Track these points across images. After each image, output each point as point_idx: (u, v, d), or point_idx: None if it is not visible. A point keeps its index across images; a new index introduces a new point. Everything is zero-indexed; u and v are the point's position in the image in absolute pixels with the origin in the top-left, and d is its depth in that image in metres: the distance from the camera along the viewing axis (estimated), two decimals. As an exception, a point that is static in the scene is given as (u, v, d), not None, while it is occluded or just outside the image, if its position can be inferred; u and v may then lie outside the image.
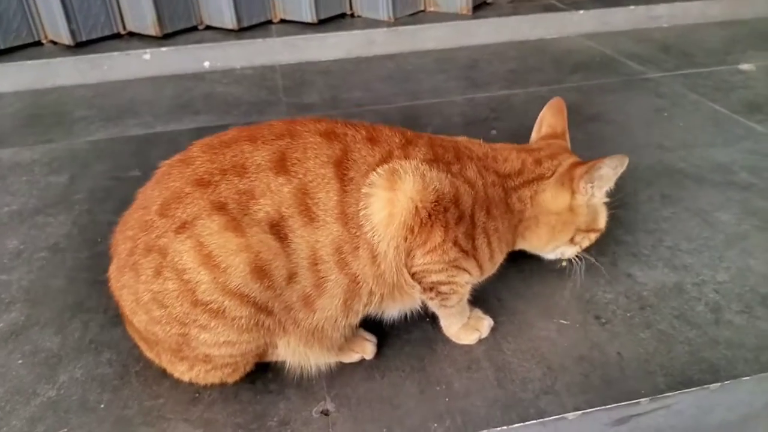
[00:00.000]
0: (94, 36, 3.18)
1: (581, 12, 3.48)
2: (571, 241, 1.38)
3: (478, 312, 1.37)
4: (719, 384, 1.22)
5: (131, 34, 3.28)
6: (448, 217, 1.14)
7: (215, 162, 1.12)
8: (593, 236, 1.40)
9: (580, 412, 1.17)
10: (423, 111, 2.57)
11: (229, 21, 3.26)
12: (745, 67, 2.90)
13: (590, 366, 1.27)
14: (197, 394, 1.22)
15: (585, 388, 1.22)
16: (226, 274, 1.05)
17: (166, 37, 3.21)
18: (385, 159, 1.15)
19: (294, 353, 1.20)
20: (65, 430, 1.16)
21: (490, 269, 1.31)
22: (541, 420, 1.15)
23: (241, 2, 3.26)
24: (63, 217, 1.85)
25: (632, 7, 3.54)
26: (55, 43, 3.18)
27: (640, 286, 1.50)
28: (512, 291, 1.48)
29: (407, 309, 1.30)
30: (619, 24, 3.52)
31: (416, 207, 1.11)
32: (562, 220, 1.33)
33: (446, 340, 1.34)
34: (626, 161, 1.30)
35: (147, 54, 3.08)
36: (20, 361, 1.32)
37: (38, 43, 3.19)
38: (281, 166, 1.11)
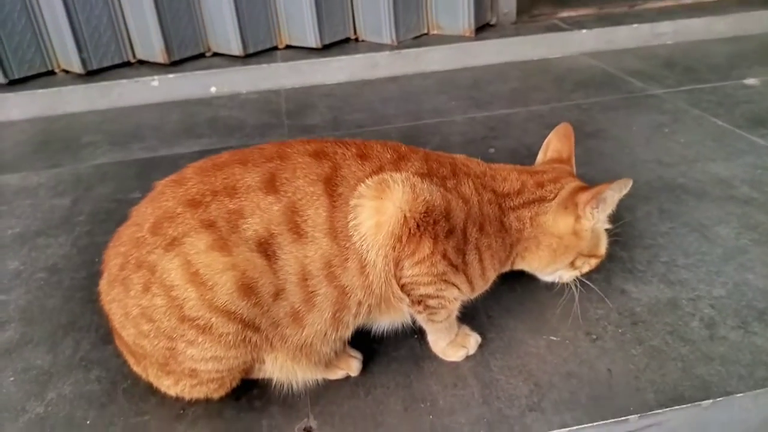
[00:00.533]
0: (104, 64, 3.27)
1: (584, 31, 3.50)
2: (572, 264, 1.36)
3: (466, 329, 1.36)
4: (711, 401, 1.19)
5: (140, 62, 3.36)
6: (438, 229, 1.14)
7: (207, 183, 1.14)
8: (594, 262, 1.39)
9: (566, 429, 1.15)
10: (423, 131, 2.58)
11: (235, 48, 3.33)
12: (750, 81, 2.88)
13: (579, 383, 1.25)
14: (182, 411, 1.22)
15: (572, 405, 1.20)
16: (213, 292, 1.06)
17: (174, 65, 3.29)
18: (376, 173, 1.15)
19: (281, 369, 1.20)
20: (49, 447, 1.17)
21: (482, 286, 1.30)
22: (526, 438, 1.14)
23: (248, 29, 3.33)
24: (63, 239, 1.89)
25: (636, 25, 3.55)
26: (67, 71, 3.28)
27: (633, 302, 1.47)
28: (503, 307, 1.47)
29: (397, 322, 1.29)
30: (622, 42, 3.53)
31: (405, 216, 1.11)
32: (564, 244, 1.31)
33: (433, 357, 1.33)
34: (630, 184, 1.28)
35: (155, 81, 3.16)
36: (12, 378, 1.34)
37: (51, 72, 3.29)
38: (271, 186, 1.13)
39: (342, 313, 1.16)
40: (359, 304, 1.17)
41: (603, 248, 1.39)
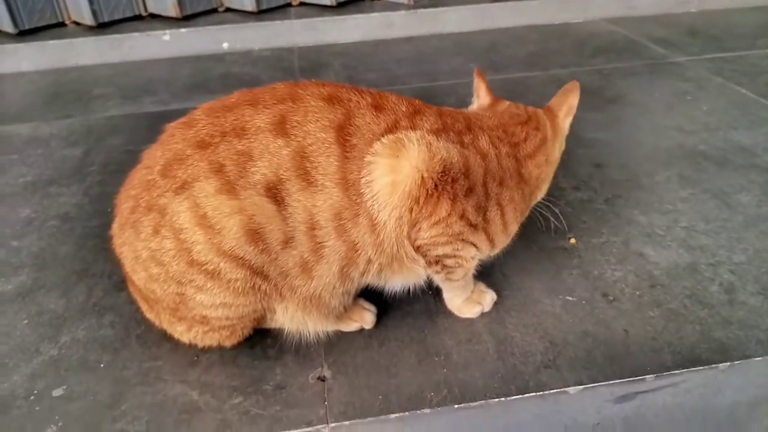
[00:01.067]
0: (115, 17, 3.21)
1: (606, -4, 3.40)
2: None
3: (482, 286, 1.34)
4: (729, 364, 1.18)
5: (152, 16, 3.31)
6: (456, 188, 1.11)
7: (216, 125, 1.11)
8: None
9: (581, 386, 1.14)
10: (439, 92, 2.53)
11: (248, 3, 3.27)
12: (776, 51, 2.81)
13: (594, 342, 1.23)
14: (196, 358, 1.22)
15: (588, 363, 1.19)
16: (221, 236, 1.04)
17: (186, 19, 3.23)
18: (391, 128, 1.11)
19: (292, 319, 1.19)
20: (64, 387, 1.17)
21: (504, 241, 1.27)
22: (541, 393, 1.13)
23: (261, -16, 3.26)
24: (75, 188, 1.88)
25: (660, -9, 3.45)
26: (77, 23, 3.23)
27: (651, 265, 1.45)
28: (518, 266, 1.45)
29: (410, 283, 1.27)
30: (645, 8, 3.43)
31: (422, 177, 1.08)
32: (552, 168, 1.36)
33: (448, 313, 1.32)
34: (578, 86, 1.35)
35: (166, 35, 3.10)
36: (25, 321, 1.34)
37: (61, 24, 3.23)
38: (281, 128, 1.09)
39: (350, 268, 1.14)
40: (369, 261, 1.14)
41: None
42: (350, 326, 1.27)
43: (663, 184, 1.78)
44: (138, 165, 1.18)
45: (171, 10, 3.20)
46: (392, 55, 3.03)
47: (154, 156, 1.14)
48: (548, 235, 1.54)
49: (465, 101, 2.51)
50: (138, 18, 3.29)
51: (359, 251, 1.12)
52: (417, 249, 1.16)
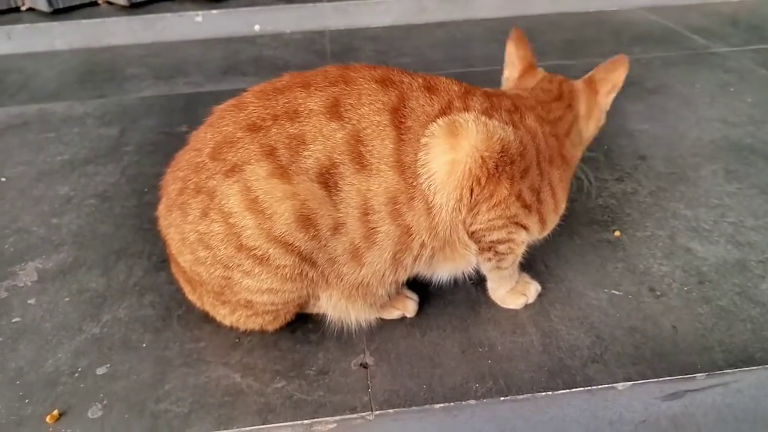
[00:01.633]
0: (148, -3, 3.21)
1: (645, -16, 3.32)
2: None
3: (526, 277, 1.32)
4: (784, 364, 1.15)
5: (185, -4, 3.30)
6: (515, 169, 1.09)
7: (268, 108, 1.09)
8: None
9: (630, 382, 1.11)
10: (474, 78, 2.46)
11: (280, -15, 3.24)
12: (823, 43, 2.72)
13: (642, 338, 1.21)
14: (237, 340, 1.22)
15: (636, 359, 1.16)
16: (271, 221, 1.03)
17: (219, 0, 3.21)
18: (445, 109, 1.09)
19: (335, 307, 1.17)
20: (107, 365, 1.17)
21: (554, 221, 1.25)
22: (589, 388, 1.10)
23: (293, -34, 3.23)
24: (112, 168, 1.88)
25: (700, -21, 3.35)
26: (110, 3, 3.23)
27: (699, 260, 1.41)
28: (561, 258, 1.42)
29: (459, 271, 1.23)
30: (685, -3, 3.34)
31: (482, 157, 1.06)
32: (585, 144, 1.36)
33: (490, 304, 1.30)
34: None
35: (199, 16, 3.09)
36: (67, 299, 1.35)
37: (95, 3, 3.24)
38: (334, 111, 1.07)
39: (403, 254, 1.12)
40: (422, 246, 1.12)
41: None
42: (392, 314, 1.25)
43: (709, 178, 1.73)
44: (185, 147, 1.16)
45: (203, -9, 3.18)
46: (425, 40, 2.98)
47: (203, 138, 1.13)
48: (591, 227, 1.51)
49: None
50: (170, -2, 3.29)
51: (413, 235, 1.10)
52: (471, 235, 1.14)
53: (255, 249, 1.05)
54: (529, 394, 1.09)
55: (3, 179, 1.84)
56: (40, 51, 2.99)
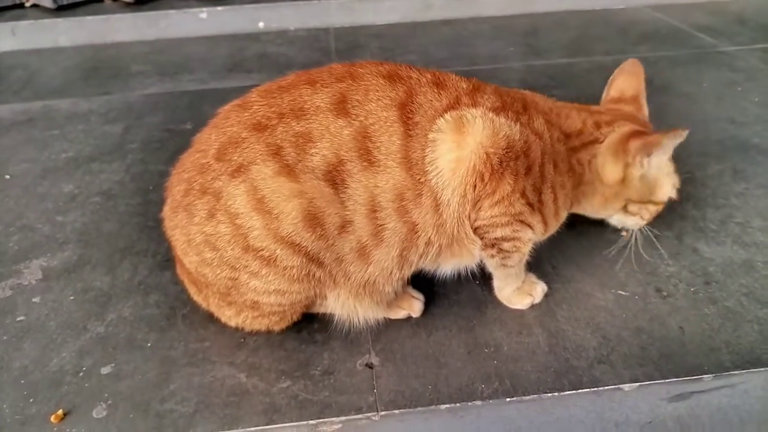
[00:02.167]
0: (152, -6, 3.20)
1: (651, -19, 3.30)
2: (625, 210, 1.31)
3: (532, 277, 1.31)
4: (791, 366, 1.14)
5: (189, -7, 3.29)
6: (519, 165, 1.09)
7: (273, 106, 1.09)
8: (653, 208, 1.32)
9: (637, 383, 1.11)
10: (479, 76, 2.43)
11: (285, -18, 3.23)
12: (830, 43, 2.70)
13: (649, 338, 1.20)
14: (242, 340, 1.21)
15: (643, 360, 1.15)
16: (279, 221, 1.02)
17: (223, -3, 3.21)
18: (453, 105, 1.08)
19: (343, 306, 1.17)
20: (112, 364, 1.17)
21: (554, 226, 1.25)
22: (595, 389, 1.10)
23: (298, -37, 3.22)
24: (116, 165, 1.88)
25: (707, -23, 3.33)
26: (115, 0, 3.22)
27: (706, 261, 1.40)
28: (568, 259, 1.42)
29: (463, 265, 1.24)
30: (691, -5, 3.32)
31: (487, 153, 1.06)
32: (613, 191, 1.27)
33: (496, 303, 1.29)
34: (685, 134, 1.20)
35: (203, 13, 3.09)
36: (72, 298, 1.35)
37: (99, 0, 3.23)
38: (341, 108, 1.06)
39: (410, 251, 1.12)
40: (428, 243, 1.12)
41: (663, 194, 1.31)
42: (398, 314, 1.25)
43: (716, 178, 1.72)
44: (190, 149, 1.16)
45: (207, -13, 3.18)
46: (430, 37, 2.97)
47: (208, 139, 1.12)
48: (599, 227, 1.50)
49: (508, 86, 2.46)
50: (174, -5, 3.28)
51: (420, 233, 1.10)
52: (475, 230, 1.13)
53: (262, 250, 1.04)
54: (535, 395, 1.09)
55: (7, 177, 1.84)
56: (44, 47, 2.99)
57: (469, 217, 1.11)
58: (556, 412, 1.11)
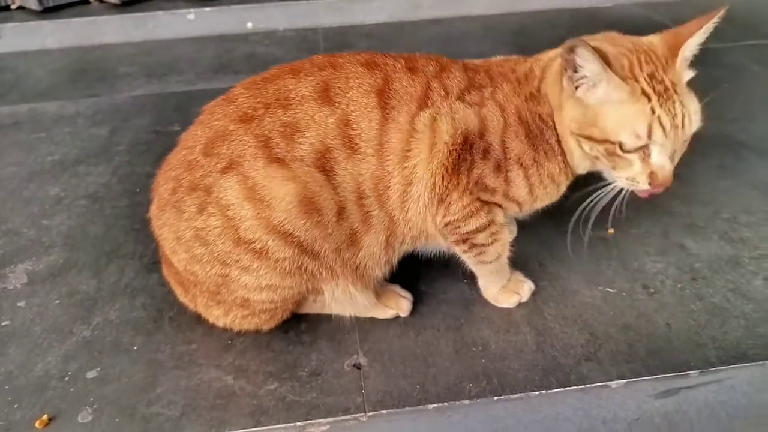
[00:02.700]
0: (139, -5, 3.18)
1: (638, -21, 3.31)
2: (585, 151, 1.10)
3: (519, 275, 1.31)
4: (777, 361, 1.15)
5: (176, -6, 3.27)
6: (474, 154, 1.10)
7: (259, 97, 1.10)
8: (601, 147, 1.07)
9: (624, 380, 1.11)
10: None
11: (273, -18, 3.21)
12: (815, 39, 2.71)
13: (636, 335, 1.20)
14: (230, 342, 1.21)
15: (630, 357, 1.16)
16: (270, 209, 1.03)
17: (210, -2, 3.19)
18: (425, 91, 1.10)
19: (339, 298, 1.17)
20: (98, 368, 1.16)
21: (530, 203, 1.18)
22: (582, 386, 1.10)
23: (286, -37, 3.20)
24: (103, 168, 1.86)
25: (694, -25, 3.34)
26: (102, 1, 3.19)
27: (692, 257, 1.41)
28: (555, 256, 1.42)
29: (445, 248, 1.26)
30: (678, -7, 3.34)
31: (449, 150, 1.09)
32: (561, 128, 1.12)
33: (484, 302, 1.29)
34: (588, 49, 0.99)
35: (191, 14, 3.06)
36: (57, 302, 1.34)
37: (86, 2, 3.20)
38: (325, 96, 1.08)
39: (393, 238, 1.15)
40: (404, 234, 1.15)
41: (611, 130, 1.04)
42: (386, 313, 1.25)
43: (702, 175, 1.73)
44: (176, 147, 1.15)
45: (195, -12, 3.16)
46: (419, 37, 2.97)
47: (194, 136, 1.12)
48: (585, 224, 1.50)
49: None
50: (162, -4, 3.26)
51: (396, 222, 1.13)
52: (446, 226, 1.14)
53: (254, 242, 1.04)
54: (522, 393, 1.09)
55: (-7, 180, 1.82)
56: (30, 50, 2.96)
57: (438, 213, 1.12)
58: (543, 410, 1.11)
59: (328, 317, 1.25)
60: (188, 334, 1.23)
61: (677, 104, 1.06)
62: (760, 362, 1.14)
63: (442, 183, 1.10)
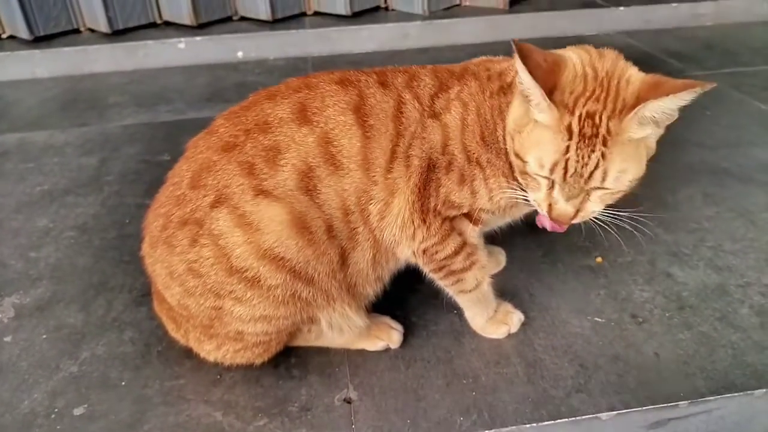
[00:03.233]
0: (130, 24, 3.21)
1: (621, 9, 3.39)
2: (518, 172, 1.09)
3: (508, 306, 1.32)
4: (765, 390, 1.15)
5: (167, 23, 3.30)
6: (438, 171, 1.12)
7: (239, 125, 1.11)
8: (517, 159, 1.05)
9: (614, 412, 1.11)
10: None
11: (263, 12, 3.26)
12: (794, 67, 2.78)
13: (626, 366, 1.21)
14: (219, 377, 1.20)
15: (620, 388, 1.16)
16: (260, 232, 1.04)
17: (201, 27, 3.23)
18: (398, 104, 1.11)
19: (341, 317, 1.17)
20: (85, 405, 1.15)
21: (488, 207, 1.15)
22: (573, 419, 1.10)
23: (276, -6, 3.26)
24: (92, 198, 1.86)
25: (675, 4, 3.43)
26: (92, 30, 3.22)
27: (679, 286, 1.43)
28: (545, 286, 1.43)
29: None
30: (660, 22, 3.42)
31: (420, 172, 1.12)
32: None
33: (473, 334, 1.30)
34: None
35: (182, 43, 3.10)
36: (44, 336, 1.32)
37: (76, 31, 3.23)
38: (303, 116, 1.10)
39: (379, 256, 1.16)
40: (388, 252, 1.17)
41: (530, 162, 1.02)
42: (376, 345, 1.25)
43: (687, 202, 1.76)
44: (164, 184, 1.16)
45: (186, 17, 3.19)
46: (408, 65, 3.01)
47: (180, 171, 1.13)
48: (574, 254, 1.52)
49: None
50: (153, 25, 3.29)
51: (379, 240, 1.15)
52: (424, 253, 1.16)
53: (246, 270, 1.05)
54: (513, 427, 1.09)
55: (-20, 211, 1.81)
56: (21, 79, 2.97)
57: (416, 237, 1.14)
58: (534, 443, 1.11)
59: (319, 351, 1.24)
60: (177, 369, 1.22)
61: (595, 154, 0.96)
62: (749, 392, 1.15)
63: (418, 202, 1.12)
